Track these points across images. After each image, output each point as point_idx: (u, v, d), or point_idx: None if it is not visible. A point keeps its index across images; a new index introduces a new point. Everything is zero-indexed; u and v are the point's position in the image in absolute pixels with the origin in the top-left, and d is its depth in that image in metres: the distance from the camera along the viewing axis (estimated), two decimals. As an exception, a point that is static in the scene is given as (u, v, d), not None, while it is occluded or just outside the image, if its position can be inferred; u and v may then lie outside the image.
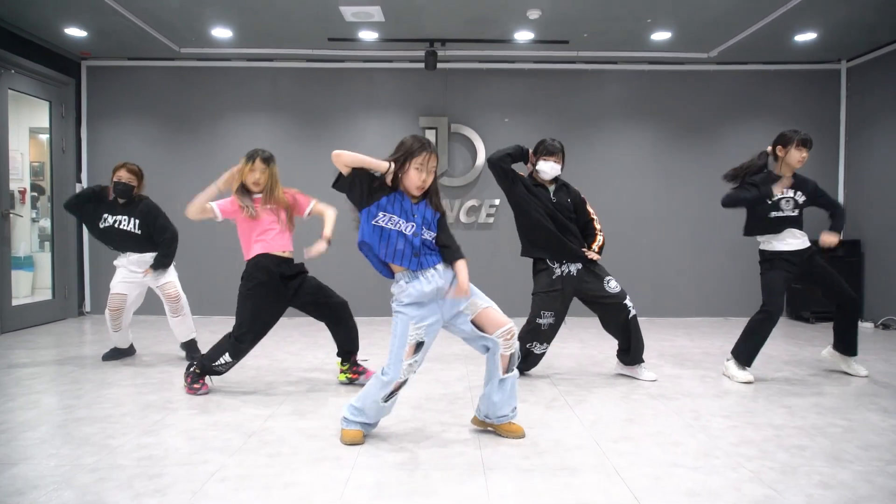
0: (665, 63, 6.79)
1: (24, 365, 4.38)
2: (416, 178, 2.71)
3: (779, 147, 4.04)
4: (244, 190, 3.63)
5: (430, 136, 6.71)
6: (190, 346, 4.52)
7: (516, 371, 2.91)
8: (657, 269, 6.78)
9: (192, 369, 3.66)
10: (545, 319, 3.92)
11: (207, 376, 3.68)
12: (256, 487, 2.33)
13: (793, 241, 4.03)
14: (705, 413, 3.31)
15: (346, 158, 2.68)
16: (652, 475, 2.46)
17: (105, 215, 4.36)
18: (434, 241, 2.80)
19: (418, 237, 2.73)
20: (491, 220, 6.85)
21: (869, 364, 4.38)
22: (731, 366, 4.07)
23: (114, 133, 6.86)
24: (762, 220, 4.05)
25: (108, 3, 5.15)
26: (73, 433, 2.93)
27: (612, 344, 5.11)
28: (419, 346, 2.75)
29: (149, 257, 4.42)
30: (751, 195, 3.99)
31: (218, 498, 2.24)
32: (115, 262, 4.48)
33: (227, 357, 3.57)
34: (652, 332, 5.61)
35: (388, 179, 2.74)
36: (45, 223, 7.71)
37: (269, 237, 3.62)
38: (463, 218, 6.82)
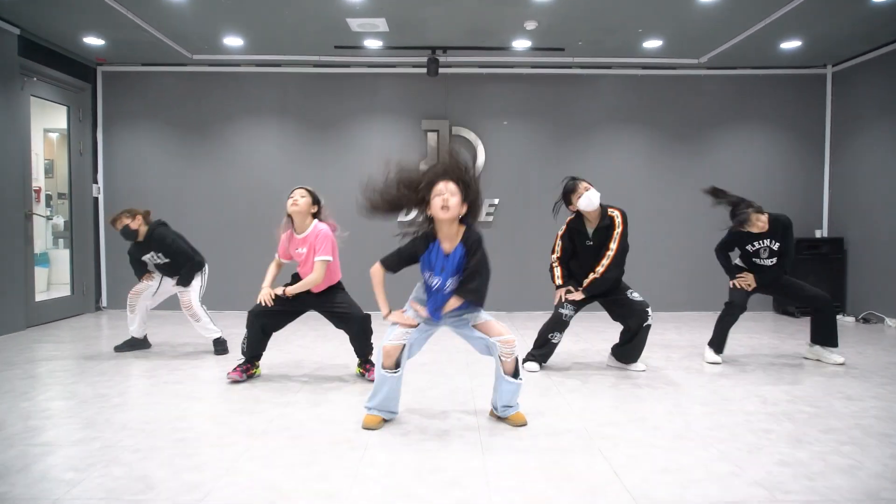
0: (657, 68, 7.08)
1: (54, 358, 4.69)
2: (436, 205, 2.94)
3: (753, 212, 4.49)
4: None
5: (432, 138, 7.00)
6: (217, 343, 4.86)
7: (521, 380, 3.15)
8: (650, 266, 7.08)
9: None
10: (567, 311, 4.28)
11: (244, 370, 4.01)
12: (282, 465, 2.64)
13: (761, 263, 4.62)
14: (685, 401, 3.62)
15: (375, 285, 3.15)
16: (631, 454, 2.77)
17: (143, 256, 4.82)
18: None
19: (442, 293, 3.04)
20: (490, 218, 7.15)
21: (845, 356, 4.68)
22: (707, 351, 4.67)
23: (128, 136, 7.16)
24: (743, 260, 4.73)
25: (127, 17, 5.44)
26: (111, 419, 3.24)
27: (604, 338, 5.45)
28: (408, 325, 3.09)
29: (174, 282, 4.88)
30: (726, 266, 4.79)
31: (249, 474, 2.55)
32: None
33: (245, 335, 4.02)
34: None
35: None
36: (58, 220, 8.03)
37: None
38: (463, 217, 7.11)
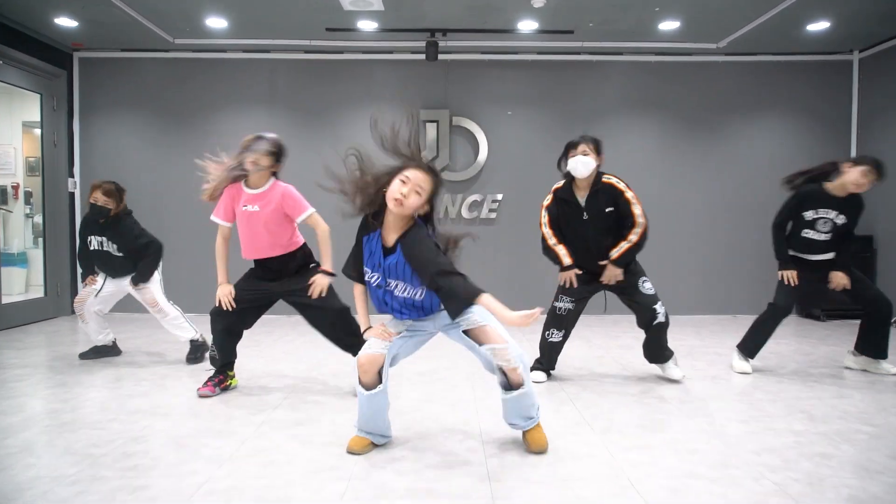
0: (672, 54, 6.62)
1: (11, 366, 4.22)
2: (395, 189, 2.48)
3: (847, 163, 3.91)
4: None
5: (431, 129, 6.55)
6: (193, 346, 4.36)
7: (526, 388, 2.60)
8: (664, 264, 6.61)
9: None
10: (562, 303, 3.76)
11: (216, 384, 3.52)
12: (246, 500, 2.18)
13: (818, 255, 4.01)
14: (720, 418, 3.15)
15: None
16: (669, 487, 2.30)
17: (90, 238, 4.24)
18: (421, 296, 2.59)
19: (382, 290, 2.59)
20: (493, 215, 6.69)
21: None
22: (735, 356, 4.15)
23: (107, 126, 6.69)
24: (793, 236, 4.06)
25: (99, -8, 4.99)
26: (54, 441, 2.78)
27: (620, 343, 4.98)
28: (382, 338, 2.60)
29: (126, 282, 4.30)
30: (778, 247, 4.06)
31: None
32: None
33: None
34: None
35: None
36: (39, 219, 7.58)
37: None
38: (465, 213, 6.66)
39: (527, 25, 5.88)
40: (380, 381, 2.57)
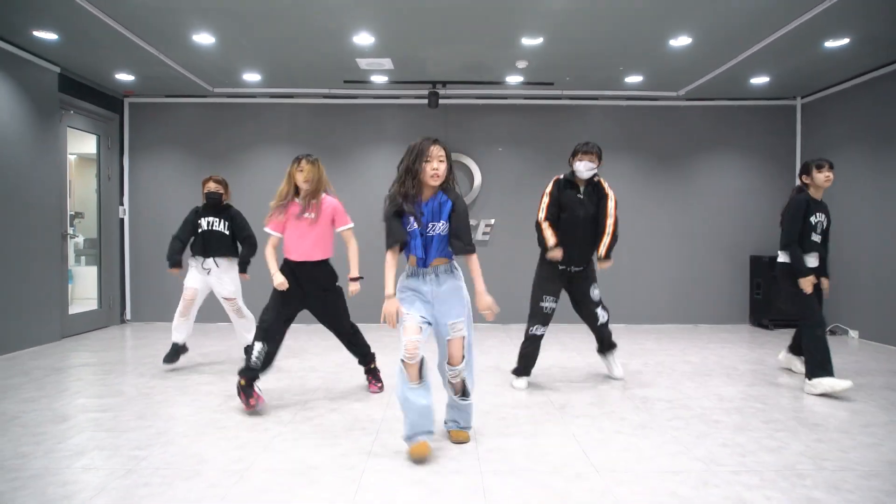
0: (640, 99, 7.70)
1: (93, 363, 5.25)
2: (427, 170, 3.06)
3: (804, 176, 4.60)
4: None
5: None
6: (246, 351, 5.08)
7: (471, 401, 3.29)
8: (635, 281, 7.64)
9: (239, 386, 3.84)
10: (547, 303, 4.46)
11: (257, 388, 3.84)
12: (308, 446, 3.19)
13: (812, 260, 4.49)
14: (652, 399, 4.17)
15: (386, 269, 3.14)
16: (599, 439, 3.32)
17: (202, 220, 5.10)
18: (446, 232, 3.11)
19: (424, 236, 3.07)
20: (487, 237, 7.72)
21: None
22: (818, 383, 4.23)
23: (152, 162, 7.75)
24: (804, 241, 4.46)
25: (157, 56, 6.05)
26: (158, 412, 3.79)
27: (589, 347, 6.00)
28: (414, 324, 3.03)
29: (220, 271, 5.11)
30: (799, 259, 4.38)
31: (281, 451, 3.10)
32: (190, 262, 5.17)
33: (257, 345, 3.88)
34: (627, 337, 6.49)
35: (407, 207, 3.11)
36: (80, 239, 8.61)
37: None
38: (462, 236, 7.67)
39: (513, 79, 6.97)
40: (421, 378, 3.04)
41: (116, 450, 3.11)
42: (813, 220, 4.45)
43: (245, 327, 5.24)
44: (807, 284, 4.31)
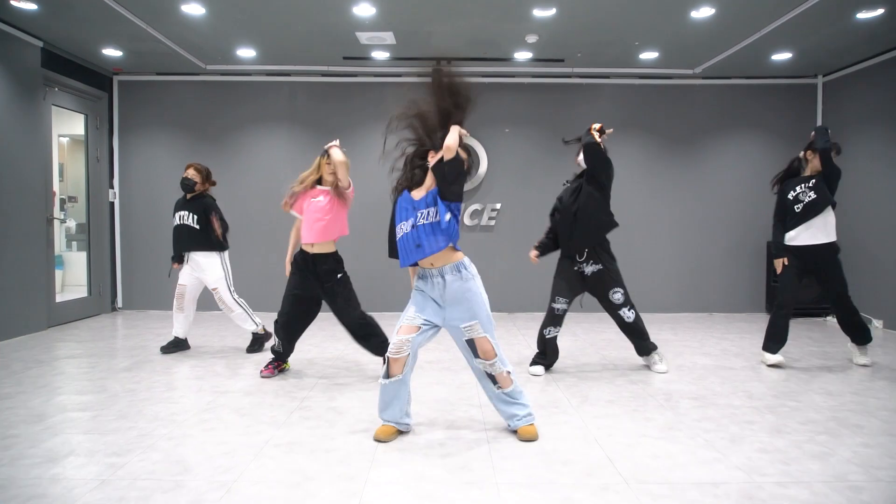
0: (654, 78, 7.33)
1: (79, 356, 4.94)
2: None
3: (809, 152, 4.67)
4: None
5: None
6: (255, 339, 5.09)
7: (514, 386, 3.14)
8: (646, 269, 7.33)
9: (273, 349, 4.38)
10: (559, 304, 4.43)
11: (276, 366, 4.35)
12: (304, 451, 2.90)
13: (803, 236, 4.55)
14: (676, 395, 3.87)
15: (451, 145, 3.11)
16: (624, 443, 3.02)
17: (175, 214, 5.00)
18: (438, 217, 3.05)
19: (415, 229, 3.05)
20: (492, 223, 7.40)
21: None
22: (764, 354, 4.71)
23: (143, 143, 7.41)
24: (788, 219, 4.63)
25: (146, 30, 5.69)
26: (143, 411, 3.50)
27: (602, 337, 5.70)
28: (410, 325, 3.04)
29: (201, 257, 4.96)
30: (777, 239, 4.71)
31: (274, 458, 2.80)
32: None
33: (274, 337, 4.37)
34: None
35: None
36: (71, 223, 8.28)
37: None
38: (467, 221, 7.37)
39: (522, 55, 6.61)
40: (401, 372, 3.04)
41: (92, 456, 2.81)
42: (791, 195, 4.58)
43: (239, 319, 5.02)
44: (777, 264, 4.68)
